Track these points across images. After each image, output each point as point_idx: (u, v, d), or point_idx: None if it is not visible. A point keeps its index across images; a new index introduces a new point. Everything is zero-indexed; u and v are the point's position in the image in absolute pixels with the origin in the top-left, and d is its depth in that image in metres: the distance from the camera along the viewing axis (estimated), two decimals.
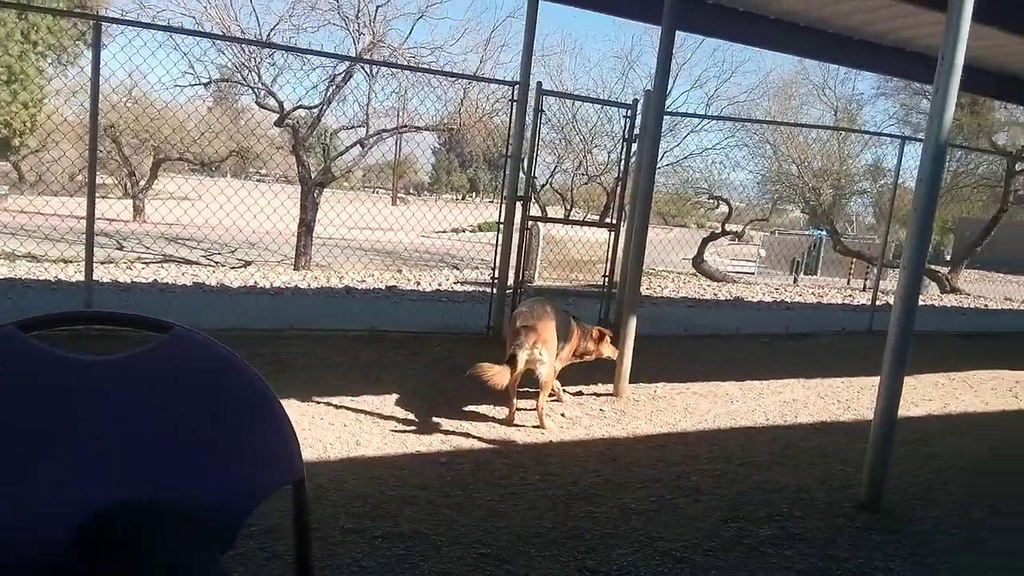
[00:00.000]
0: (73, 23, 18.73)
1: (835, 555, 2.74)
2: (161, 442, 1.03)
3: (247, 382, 1.10)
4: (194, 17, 12.66)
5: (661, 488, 3.25)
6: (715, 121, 19.19)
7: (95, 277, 5.37)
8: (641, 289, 4.92)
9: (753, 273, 18.93)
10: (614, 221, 6.77)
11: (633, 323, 4.63)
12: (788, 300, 11.83)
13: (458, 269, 13.28)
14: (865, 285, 16.46)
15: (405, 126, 13.81)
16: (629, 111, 6.50)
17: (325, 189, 13.23)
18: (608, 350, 4.50)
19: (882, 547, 2.85)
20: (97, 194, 5.12)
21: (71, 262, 9.32)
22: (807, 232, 21.86)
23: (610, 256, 6.74)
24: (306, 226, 12.61)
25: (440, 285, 9.96)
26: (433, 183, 41.82)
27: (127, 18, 5.28)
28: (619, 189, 6.86)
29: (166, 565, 0.87)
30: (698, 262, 16.29)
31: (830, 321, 8.96)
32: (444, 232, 20.64)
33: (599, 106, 16.58)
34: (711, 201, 18.86)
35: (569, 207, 18.65)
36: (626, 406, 4.50)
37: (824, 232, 19.49)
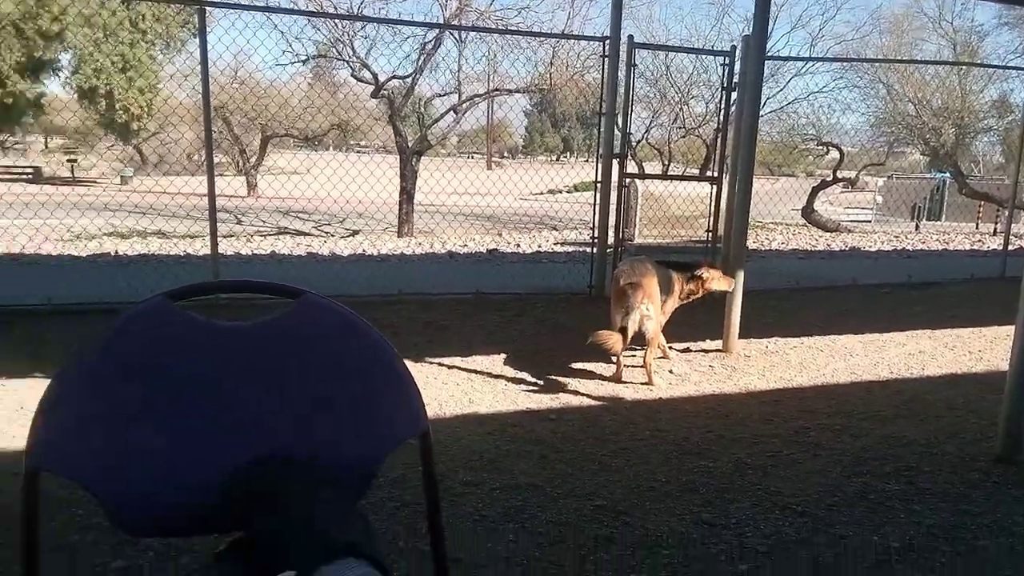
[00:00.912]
0: (177, 10, 19.68)
1: (969, 510, 2.62)
2: (296, 401, 1.11)
3: (373, 343, 1.16)
4: None
5: (778, 443, 3.18)
6: (822, 63, 18.10)
7: (219, 250, 5.72)
8: (748, 242, 4.77)
9: (870, 221, 17.89)
10: (715, 174, 6.55)
11: (740, 277, 4.50)
12: (910, 248, 11.15)
13: (556, 230, 13.27)
14: (995, 229, 15.24)
15: (496, 90, 13.78)
16: (727, 59, 6.22)
17: (422, 157, 13.46)
18: (717, 283, 4.38)
19: (1021, 502, 2.70)
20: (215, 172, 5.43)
21: (196, 237, 9.97)
22: (928, 175, 20.40)
23: (713, 210, 6.55)
24: (407, 194, 12.89)
25: (540, 247, 10.00)
26: (527, 145, 41.71)
27: (228, 1, 5.49)
28: (719, 141, 6.62)
29: (305, 515, 0.95)
30: (808, 212, 15.56)
31: (957, 268, 8.38)
32: (540, 194, 20.62)
33: (694, 56, 15.94)
34: (820, 148, 17.88)
35: (667, 162, 18.18)
36: (736, 362, 4.41)
37: (947, 174, 18.13)
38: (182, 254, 8.03)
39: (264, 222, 13.81)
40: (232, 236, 10.58)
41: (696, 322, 4.89)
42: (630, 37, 5.91)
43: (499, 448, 3.04)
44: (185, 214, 12.27)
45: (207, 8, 5.17)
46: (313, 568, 0.84)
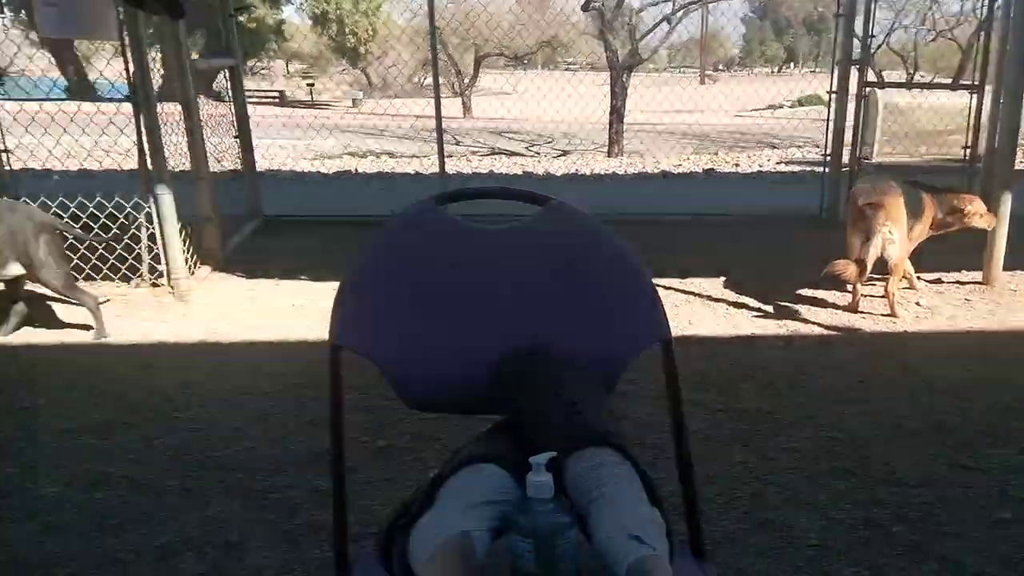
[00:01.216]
0: None
1: None
2: (549, 299, 1.18)
3: (618, 250, 1.20)
4: None
5: None
6: None
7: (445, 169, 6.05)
8: (1017, 160, 4.14)
9: None
10: (976, 82, 5.69)
11: (1007, 200, 3.93)
12: None
13: (778, 148, 12.40)
14: None
15: None
16: None
17: (633, 73, 13.05)
18: (978, 219, 3.85)
19: None
20: (431, 95, 5.70)
21: (421, 157, 10.61)
22: None
23: (971, 124, 5.74)
24: (617, 112, 12.66)
25: (761, 166, 9.43)
26: (744, 57, 38.82)
27: None
28: (981, 42, 5.71)
29: (567, 397, 1.03)
30: None
31: None
32: (759, 110, 19.27)
33: None
34: None
35: (912, 70, 16.09)
36: (1000, 296, 3.92)
37: None
38: (412, 172, 8.61)
39: (479, 142, 14.33)
40: (451, 156, 11.12)
41: (949, 248, 4.39)
42: None
43: (722, 372, 3.00)
44: (412, 135, 13.06)
45: None
46: (572, 451, 0.92)
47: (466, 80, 21.31)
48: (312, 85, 24.65)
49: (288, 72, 29.71)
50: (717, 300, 3.91)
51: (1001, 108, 4.08)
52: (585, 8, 13.04)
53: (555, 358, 1.12)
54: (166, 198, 3.67)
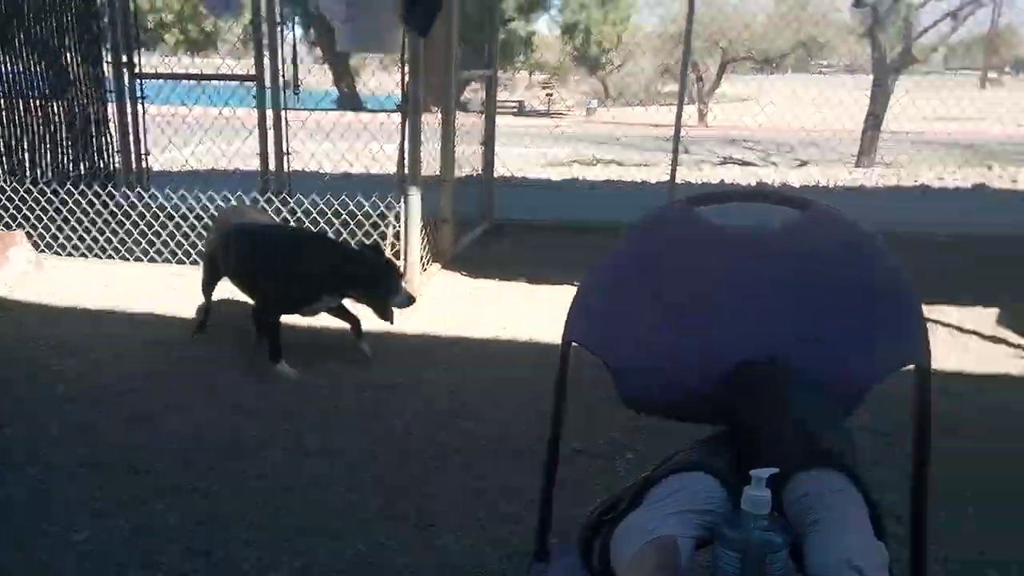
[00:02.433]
0: None
1: None
2: (798, 307, 1.12)
3: (881, 260, 1.11)
4: None
5: None
6: None
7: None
8: None
9: None
10: None
11: None
12: None
13: None
14: None
15: None
16: None
17: (900, 75, 11.82)
18: None
19: None
20: (666, 102, 5.63)
21: (650, 165, 10.56)
22: None
23: None
24: (874, 119, 11.56)
25: None
26: None
27: None
28: None
29: (800, 414, 0.97)
30: None
31: None
32: None
33: None
34: None
35: None
36: None
37: None
38: (638, 181, 8.61)
39: (711, 151, 13.91)
40: (681, 165, 10.92)
41: None
42: None
43: (964, 413, 2.65)
44: (639, 144, 13.05)
45: None
46: (794, 470, 0.88)
47: (706, 86, 20.74)
48: (551, 95, 25.52)
49: (530, 81, 31.04)
50: (968, 332, 3.48)
51: None
52: (857, 4, 12.05)
53: (793, 371, 1.08)
54: (415, 199, 4.01)
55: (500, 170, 8.42)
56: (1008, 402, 2.77)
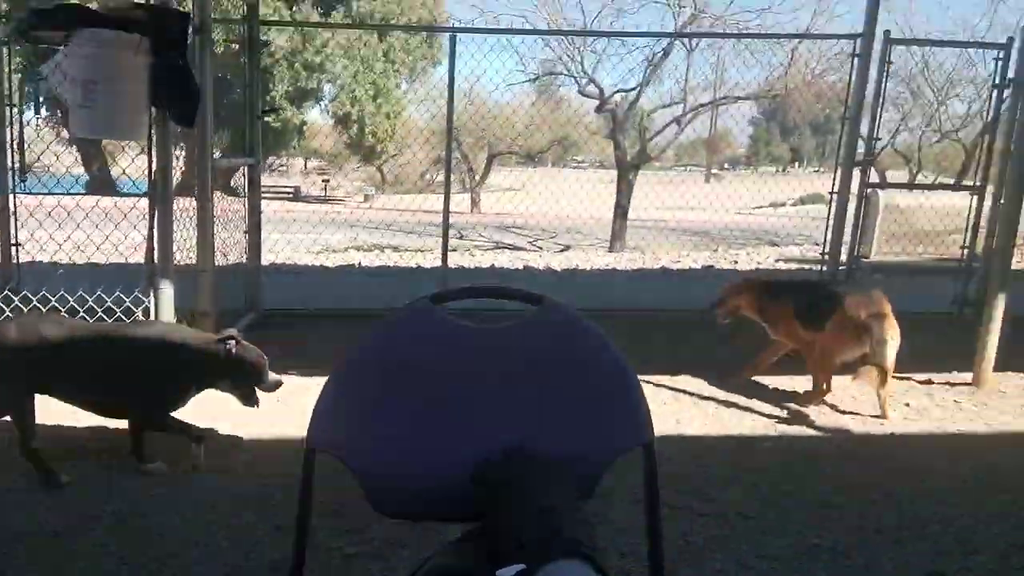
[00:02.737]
0: (420, 41, 21.52)
1: None
2: (533, 399, 1.18)
3: (606, 351, 1.21)
4: (525, 16, 13.74)
5: None
6: None
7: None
8: (1013, 261, 4.17)
9: None
10: (978, 183, 5.80)
11: (1001, 301, 3.94)
12: None
13: (778, 246, 12.54)
14: None
15: (724, 98, 13.38)
16: (1001, 52, 5.50)
17: (640, 171, 13.44)
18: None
19: None
20: (440, 191, 5.86)
21: (424, 251, 10.81)
22: None
23: (971, 224, 5.81)
24: (621, 209, 12.94)
25: (759, 263, 9.52)
26: (751, 156, 39.83)
27: (474, 26, 5.94)
28: (985, 145, 5.86)
29: (540, 506, 1.00)
30: None
31: None
32: (762, 207, 19.59)
33: (957, 51, 14.20)
34: None
35: (915, 170, 16.42)
36: (989, 398, 3.87)
37: None
38: (414, 266, 8.76)
39: (484, 237, 14.63)
40: (455, 250, 11.34)
41: (942, 351, 4.37)
42: (886, 33, 5.40)
43: (707, 473, 2.95)
44: (418, 229, 13.36)
45: (456, 35, 5.59)
46: (541, 562, 0.89)
47: (477, 177, 21.96)
48: (327, 181, 25.45)
49: (305, 168, 30.74)
50: (707, 398, 3.88)
51: (1001, 208, 4.12)
52: (598, 110, 13.56)
53: (529, 463, 1.11)
54: (166, 292, 3.73)
55: (271, 257, 8.14)
56: (740, 460, 3.11)
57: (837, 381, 4.03)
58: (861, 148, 5.56)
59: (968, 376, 4.06)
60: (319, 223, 11.39)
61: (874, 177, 8.37)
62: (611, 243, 12.81)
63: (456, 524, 1.14)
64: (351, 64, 20.84)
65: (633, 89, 13.13)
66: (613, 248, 12.56)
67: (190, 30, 3.66)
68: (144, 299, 3.78)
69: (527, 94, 16.39)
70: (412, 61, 22.71)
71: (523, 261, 9.66)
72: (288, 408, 3.63)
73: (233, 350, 2.90)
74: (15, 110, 4.88)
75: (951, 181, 14.16)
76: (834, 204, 5.53)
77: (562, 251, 12.02)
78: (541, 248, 12.59)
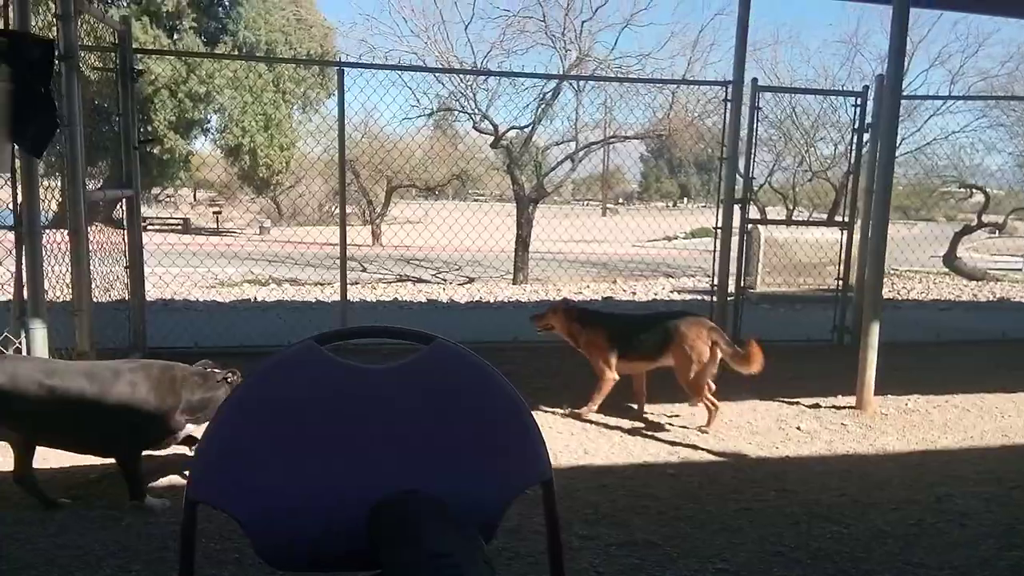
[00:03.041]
0: (312, 72, 21.25)
1: None
2: (426, 441, 1.15)
3: (500, 389, 1.20)
4: (416, 53, 13.81)
5: (919, 511, 2.94)
6: (963, 101, 16.98)
7: (347, 297, 6.00)
8: (883, 291, 4.50)
9: (1021, 270, 16.43)
10: (846, 219, 6.26)
11: (875, 329, 4.24)
12: None
13: (673, 277, 13.05)
14: None
15: (613, 137, 13.88)
16: (859, 99, 6.01)
17: (538, 205, 13.69)
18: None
19: None
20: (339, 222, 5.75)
21: (325, 284, 10.55)
22: None
23: (843, 257, 6.25)
24: (522, 242, 13.12)
25: (656, 295, 9.86)
26: (643, 191, 41.46)
27: (363, 62, 5.90)
28: (850, 184, 6.34)
29: (438, 550, 0.97)
30: (951, 259, 14.46)
31: None
32: (656, 240, 20.40)
33: (822, 97, 15.42)
34: (962, 191, 16.67)
35: (791, 207, 17.54)
36: (872, 420, 4.13)
37: None
38: (313, 300, 8.50)
39: (387, 270, 14.44)
40: (357, 283, 11.11)
41: (826, 376, 4.64)
42: (754, 80, 5.81)
43: (615, 502, 2.98)
44: (315, 262, 13.03)
45: (344, 69, 5.54)
46: None
47: (377, 209, 21.72)
48: (219, 213, 24.48)
49: (195, 199, 29.48)
50: (612, 428, 3.95)
51: (868, 243, 4.43)
52: (494, 145, 13.74)
53: (425, 504, 1.08)
54: (39, 332, 3.48)
55: (158, 292, 7.70)
56: (646, 487, 3.16)
57: (733, 409, 4.21)
58: (740, 185, 5.88)
59: (852, 399, 4.32)
60: (210, 256, 10.92)
61: (754, 213, 8.93)
62: (514, 275, 12.93)
63: (351, 573, 1.09)
64: (239, 95, 20.27)
65: (526, 126, 13.44)
66: (516, 280, 12.69)
67: (55, 57, 3.45)
68: (14, 339, 3.48)
69: (420, 130, 16.48)
70: (303, 92, 22.35)
71: (426, 294, 9.58)
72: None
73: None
74: None
75: (824, 217, 15.23)
76: (719, 238, 5.81)
77: (466, 283, 12.01)
78: (445, 280, 12.55)
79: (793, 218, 14.58)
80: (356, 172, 19.38)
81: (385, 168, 18.95)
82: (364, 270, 14.15)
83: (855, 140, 6.11)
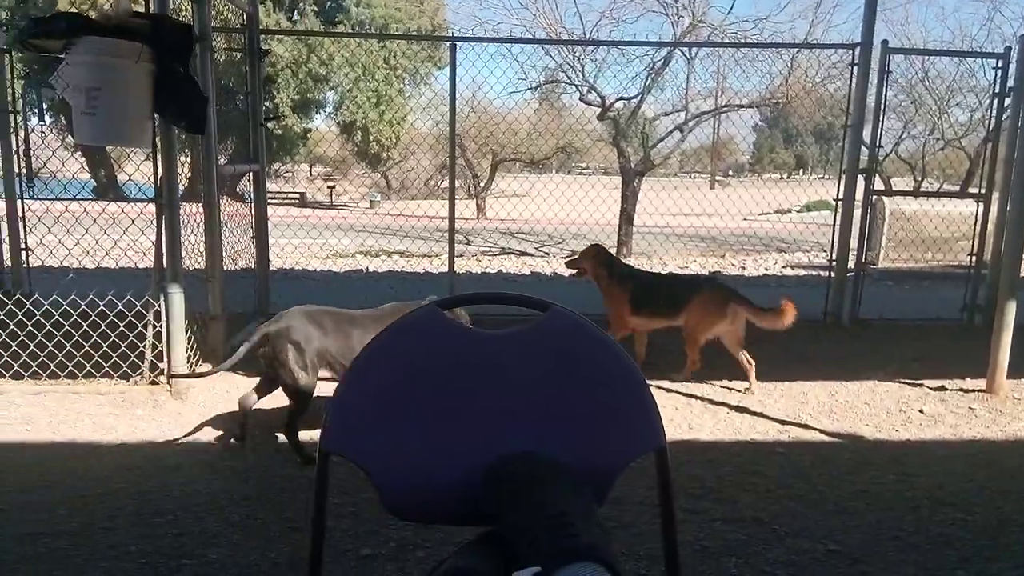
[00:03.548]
0: (423, 47, 21.59)
1: None
2: (543, 405, 1.18)
3: (616, 357, 1.21)
4: (525, 26, 13.74)
5: None
6: None
7: (454, 268, 6.15)
8: (1021, 269, 4.16)
9: None
10: (982, 190, 5.80)
11: (1011, 309, 3.93)
12: None
13: (785, 252, 12.52)
14: None
15: (726, 106, 13.37)
16: (999, 61, 5.52)
17: (644, 178, 13.42)
18: None
19: None
20: (446, 196, 5.87)
21: (431, 256, 10.82)
22: None
23: (977, 231, 5.80)
24: (627, 215, 12.92)
25: (767, 269, 9.50)
26: (755, 163, 39.81)
27: (475, 35, 5.95)
28: (988, 153, 5.85)
29: (555, 509, 1.00)
30: None
31: None
32: (767, 214, 19.58)
33: (957, 60, 14.22)
34: None
35: (919, 178, 16.39)
36: (1004, 405, 3.85)
37: None
38: (421, 271, 8.76)
39: (491, 243, 14.63)
40: (462, 256, 11.34)
41: (954, 357, 4.35)
42: (884, 42, 5.43)
43: (721, 478, 2.94)
44: (424, 235, 13.37)
45: (457, 43, 5.61)
46: (556, 566, 0.88)
47: (482, 183, 21.98)
48: (333, 187, 25.49)
49: (311, 175, 30.80)
50: (719, 404, 3.87)
51: (1007, 216, 4.12)
52: (600, 117, 13.54)
53: (543, 467, 1.11)
54: (176, 297, 3.74)
55: (279, 262, 8.16)
56: (754, 464, 3.10)
57: (850, 389, 4.04)
58: (865, 155, 5.56)
59: (981, 383, 4.04)
60: (326, 228, 11.42)
61: (879, 184, 8.38)
62: (617, 249, 12.77)
63: (468, 527, 1.14)
64: (352, 71, 20.89)
65: (635, 97, 13.10)
66: (620, 254, 12.55)
67: (193, 39, 3.67)
68: (154, 303, 3.78)
69: (528, 102, 16.44)
70: (413, 67, 22.74)
71: (530, 266, 9.66)
72: None
73: None
74: (19, 117, 4.91)
75: (956, 188, 14.15)
76: (840, 211, 5.52)
77: (569, 256, 12.01)
78: (548, 254, 12.58)
79: (922, 190, 13.63)
80: (463, 147, 19.66)
81: (491, 142, 19.13)
82: (468, 243, 14.40)
83: (994, 106, 5.64)
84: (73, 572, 2.18)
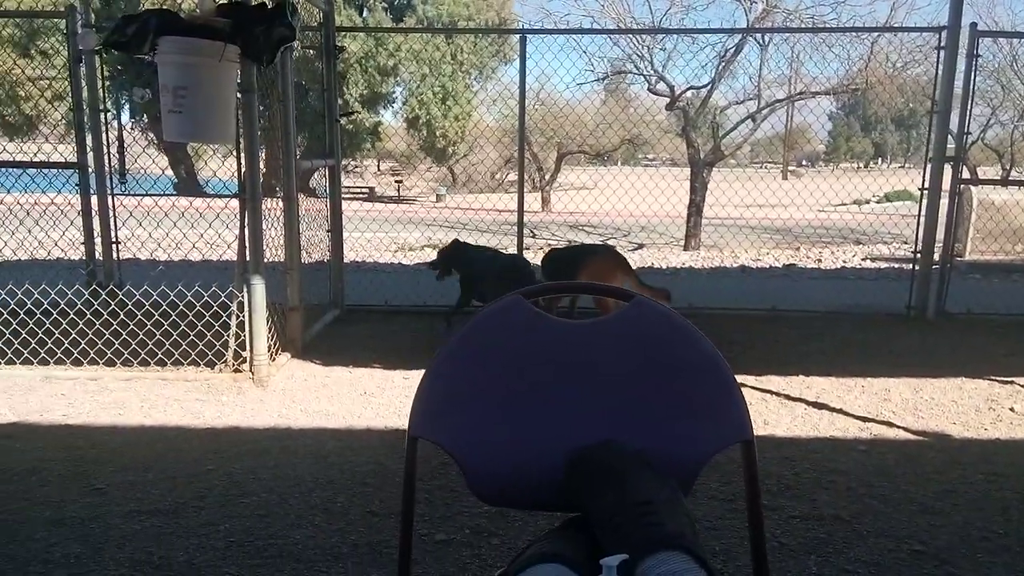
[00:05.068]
0: (490, 41, 21.66)
1: None
2: (628, 395, 1.18)
3: (701, 348, 1.20)
4: (592, 17, 13.64)
5: None
6: None
7: None
8: None
9: None
10: None
11: None
12: None
13: (863, 244, 12.07)
14: None
15: (800, 93, 12.95)
16: None
17: (714, 168, 13.14)
18: None
19: None
20: (513, 190, 5.89)
21: (499, 249, 10.85)
22: None
23: None
24: (695, 206, 12.69)
25: (845, 262, 9.19)
26: (830, 152, 38.44)
27: (544, 28, 5.93)
28: None
29: (641, 497, 1.00)
30: None
31: None
32: (843, 205, 18.88)
33: None
34: None
35: (1008, 166, 15.53)
36: None
37: None
38: None
39: (557, 236, 14.60)
40: (527, 248, 11.34)
41: None
42: (972, 25, 5.17)
43: (799, 475, 2.87)
44: (490, 228, 13.45)
45: (527, 36, 5.62)
46: (644, 555, 0.89)
47: (547, 176, 21.95)
48: (400, 182, 25.91)
49: (379, 169, 31.38)
50: (795, 399, 3.78)
51: None
52: (669, 107, 13.33)
53: (626, 456, 1.12)
54: (258, 288, 3.87)
55: (351, 255, 8.35)
56: (833, 462, 3.01)
57: (936, 386, 3.89)
58: (950, 143, 5.30)
59: None
60: (395, 222, 11.63)
61: (965, 173, 7.97)
62: (686, 241, 12.57)
63: (545, 515, 1.15)
64: (419, 68, 21.14)
65: (705, 86, 12.82)
66: (688, 246, 12.34)
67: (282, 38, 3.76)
68: (238, 294, 3.93)
69: (596, 93, 16.28)
70: (480, 62, 22.83)
71: None
72: (373, 400, 3.73)
73: None
74: (111, 115, 5.17)
75: None
76: (925, 201, 5.29)
77: (636, 249, 11.87)
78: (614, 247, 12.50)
79: (1011, 178, 12.90)
80: (529, 140, 19.65)
81: (558, 134, 19.06)
82: (534, 236, 14.41)
83: None
84: (168, 548, 2.30)
